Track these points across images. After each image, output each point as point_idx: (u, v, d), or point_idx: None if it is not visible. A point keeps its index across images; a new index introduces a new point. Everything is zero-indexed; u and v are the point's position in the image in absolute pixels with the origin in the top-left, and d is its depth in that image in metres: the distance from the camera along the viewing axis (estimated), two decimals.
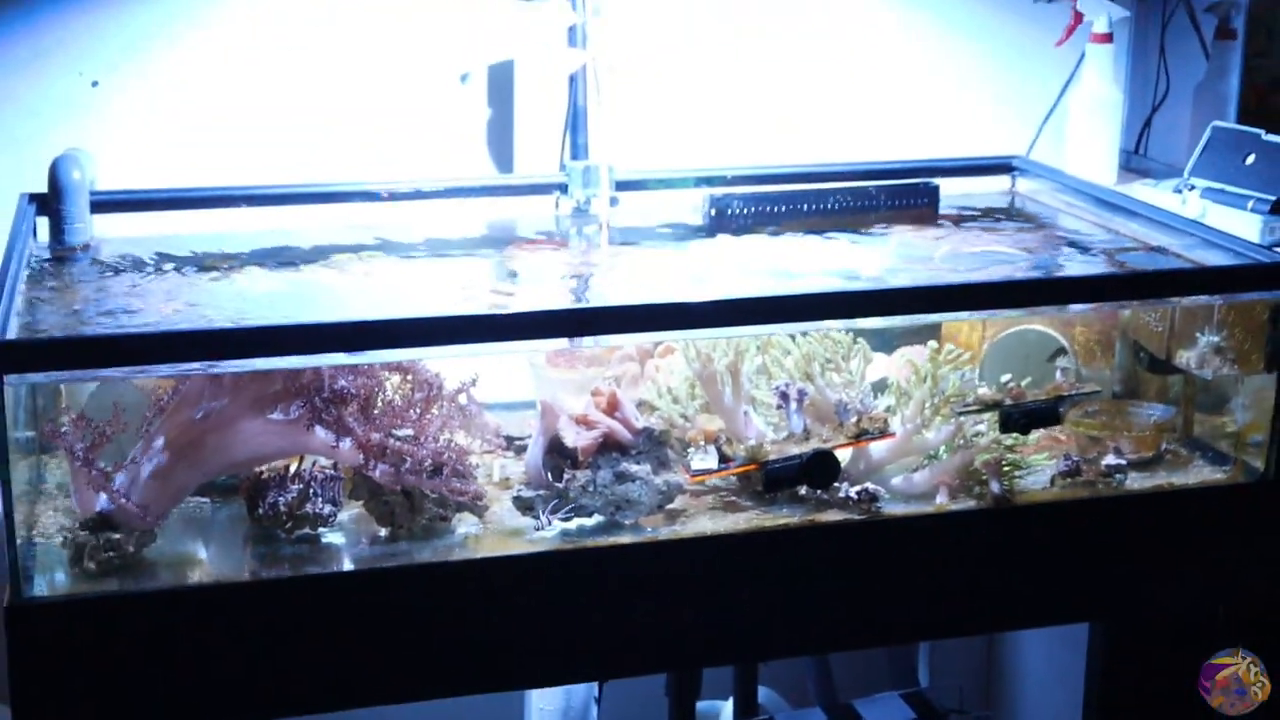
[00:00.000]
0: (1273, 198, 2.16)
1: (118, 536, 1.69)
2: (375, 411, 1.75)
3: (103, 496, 1.69)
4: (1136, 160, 2.62)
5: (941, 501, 1.90)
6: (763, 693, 2.48)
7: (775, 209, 2.27)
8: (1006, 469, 1.92)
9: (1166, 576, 2.00)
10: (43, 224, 2.09)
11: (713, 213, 2.24)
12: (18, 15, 2.23)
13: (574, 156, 2.31)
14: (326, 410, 1.72)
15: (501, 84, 2.41)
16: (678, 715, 2.20)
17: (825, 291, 1.96)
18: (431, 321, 1.75)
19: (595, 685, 2.46)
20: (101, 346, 1.65)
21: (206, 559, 1.76)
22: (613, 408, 1.85)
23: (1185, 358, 2.05)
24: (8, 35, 2.23)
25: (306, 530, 1.79)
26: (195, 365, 1.67)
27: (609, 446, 1.84)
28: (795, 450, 1.85)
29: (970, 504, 1.91)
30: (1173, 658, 2.09)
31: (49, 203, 2.06)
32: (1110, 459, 1.98)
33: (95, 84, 2.27)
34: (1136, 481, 1.99)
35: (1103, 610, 2.03)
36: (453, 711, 2.58)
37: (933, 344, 2.01)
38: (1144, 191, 2.36)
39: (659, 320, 1.84)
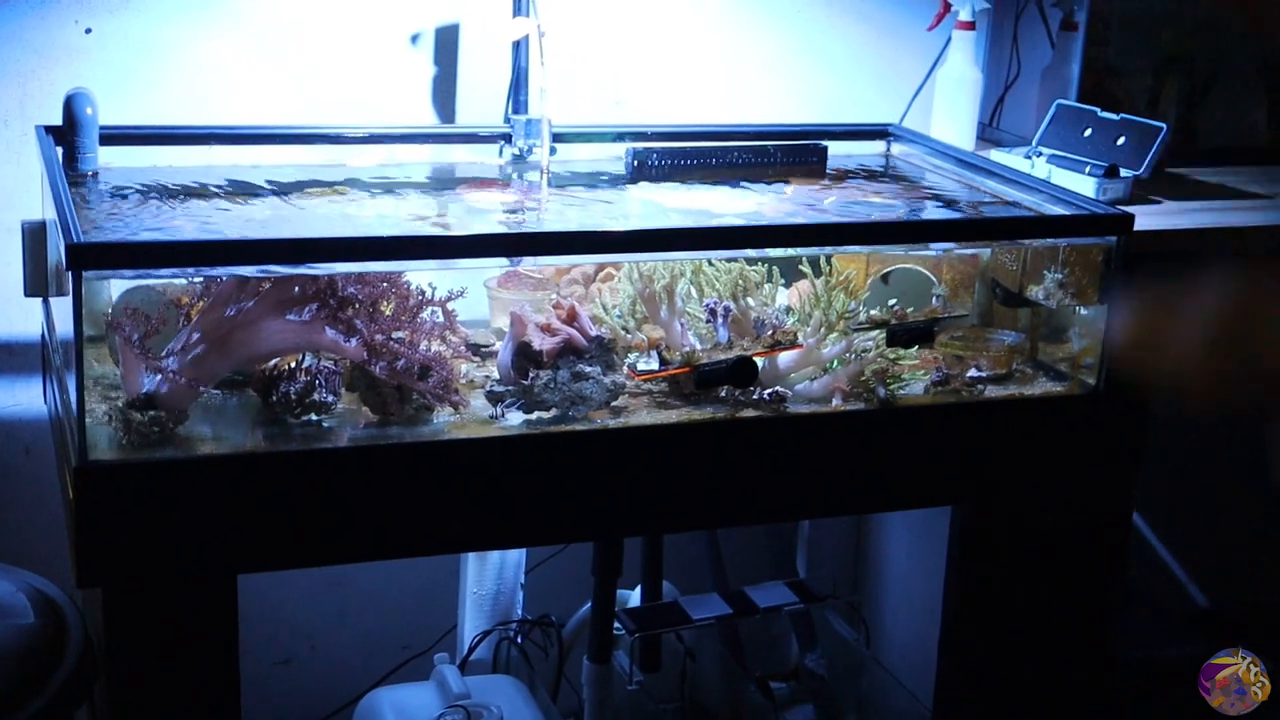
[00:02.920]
0: (1106, 164, 2.52)
1: (159, 414, 1.96)
2: (379, 315, 2.06)
3: (146, 379, 1.98)
4: (990, 131, 2.93)
5: (836, 404, 2.21)
6: (665, 586, 2.81)
7: (688, 162, 2.55)
8: (890, 378, 2.24)
9: (1016, 467, 2.32)
10: None
11: (635, 164, 2.51)
12: None
13: (515, 112, 2.58)
14: (341, 312, 2.04)
15: (448, 45, 2.70)
16: (602, 591, 2.53)
17: (741, 225, 2.27)
18: (425, 240, 2.10)
19: (523, 572, 2.78)
20: (186, 250, 1.95)
21: (228, 436, 2.02)
22: (571, 318, 2.13)
23: (1035, 291, 2.34)
24: None
25: (311, 415, 2.06)
26: (250, 269, 1.96)
27: (567, 351, 2.11)
28: (722, 356, 2.17)
29: (859, 406, 2.22)
30: (1019, 542, 2.43)
31: (64, 134, 2.26)
32: (972, 372, 2.31)
33: (89, 31, 2.53)
34: (993, 392, 2.30)
35: (965, 494, 2.36)
36: (396, 596, 2.91)
37: (826, 269, 2.30)
38: (999, 157, 2.64)
39: (606, 245, 2.16)
